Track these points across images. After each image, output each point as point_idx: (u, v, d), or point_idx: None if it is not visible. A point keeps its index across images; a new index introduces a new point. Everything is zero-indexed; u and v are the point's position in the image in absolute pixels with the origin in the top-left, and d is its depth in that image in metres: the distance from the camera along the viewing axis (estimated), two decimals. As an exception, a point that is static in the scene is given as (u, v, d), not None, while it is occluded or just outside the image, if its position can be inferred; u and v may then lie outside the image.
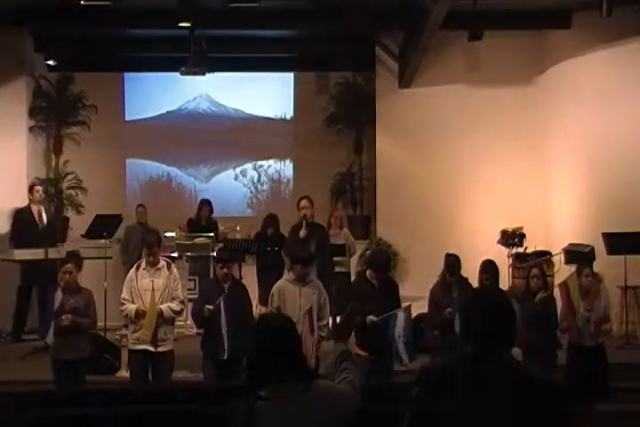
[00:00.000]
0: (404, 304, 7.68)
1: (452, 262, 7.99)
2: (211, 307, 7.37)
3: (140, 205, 12.05)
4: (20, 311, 10.95)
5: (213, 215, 11.74)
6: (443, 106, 12.65)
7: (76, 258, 8.17)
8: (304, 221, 9.66)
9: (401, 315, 7.44)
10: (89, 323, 7.59)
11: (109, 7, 10.60)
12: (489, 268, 8.23)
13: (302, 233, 9.61)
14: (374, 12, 11.77)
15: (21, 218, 11.17)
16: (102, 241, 10.98)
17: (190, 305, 8.62)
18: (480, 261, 8.46)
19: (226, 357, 7.35)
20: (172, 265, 7.85)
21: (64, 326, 7.34)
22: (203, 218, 11.58)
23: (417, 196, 12.58)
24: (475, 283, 7.99)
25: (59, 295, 7.46)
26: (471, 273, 8.16)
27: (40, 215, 11.23)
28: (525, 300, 7.59)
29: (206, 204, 11.74)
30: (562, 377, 6.96)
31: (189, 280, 10.80)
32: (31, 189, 11.39)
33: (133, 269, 7.70)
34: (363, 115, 13.48)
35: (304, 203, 9.84)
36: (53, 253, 10.46)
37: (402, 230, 12.41)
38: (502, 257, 10.58)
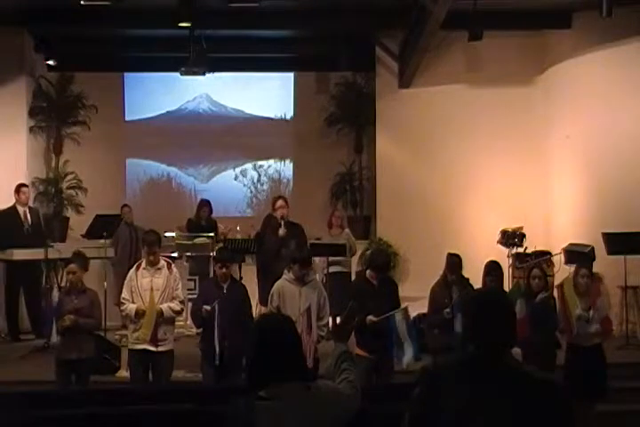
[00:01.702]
0: (401, 306, 7.69)
1: (454, 262, 7.99)
2: (208, 308, 7.39)
3: (125, 206, 12.03)
4: (12, 312, 10.93)
5: (212, 215, 11.73)
6: (443, 106, 12.65)
7: (81, 258, 8.16)
8: (282, 221, 9.82)
9: (399, 316, 7.44)
10: (93, 323, 7.58)
11: (109, 7, 10.60)
12: (494, 269, 8.22)
13: (282, 232, 9.73)
14: (374, 12, 11.78)
15: (7, 219, 11.10)
16: (102, 241, 10.98)
17: (190, 305, 8.62)
18: (480, 261, 8.46)
19: (217, 361, 7.35)
20: (173, 265, 7.86)
21: (66, 327, 7.34)
22: (202, 218, 11.58)
23: (417, 196, 12.58)
24: (476, 283, 7.98)
25: (55, 295, 7.46)
26: (471, 273, 8.16)
27: (26, 216, 11.16)
28: (526, 300, 7.58)
29: (205, 204, 11.73)
30: (561, 377, 6.96)
31: (189, 280, 10.81)
32: (18, 189, 11.23)
33: (133, 269, 7.70)
34: (363, 115, 13.48)
35: (280, 203, 10.04)
36: (53, 253, 10.46)
37: (402, 230, 12.41)
38: (502, 257, 10.57)
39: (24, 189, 11.31)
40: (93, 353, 7.62)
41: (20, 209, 11.16)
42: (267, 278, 9.67)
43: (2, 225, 11.09)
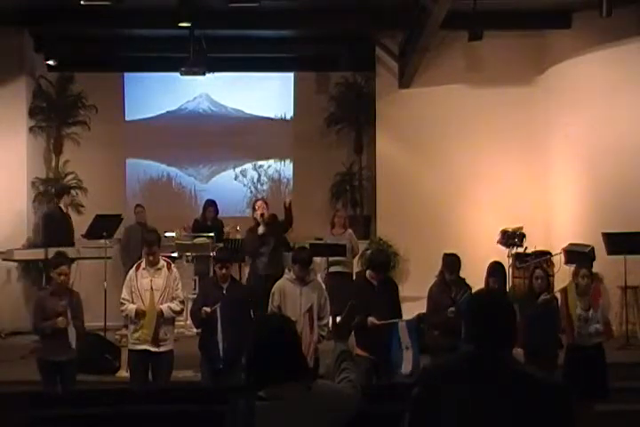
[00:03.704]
0: (411, 316, 7.73)
1: (451, 262, 7.99)
2: (208, 309, 7.39)
3: (138, 206, 12.06)
4: None
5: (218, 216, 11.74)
6: (443, 106, 12.65)
7: (67, 259, 8.12)
8: (262, 220, 9.90)
9: (403, 325, 7.45)
10: (80, 325, 7.54)
11: (109, 7, 10.59)
12: (497, 270, 8.22)
13: (261, 229, 9.83)
14: (374, 11, 11.77)
15: (57, 218, 11.40)
16: (102, 241, 10.98)
17: (191, 305, 8.62)
18: (480, 261, 8.45)
19: (221, 365, 7.37)
20: (172, 265, 7.85)
21: (59, 328, 7.30)
22: (208, 219, 11.58)
23: (417, 196, 12.58)
24: (477, 282, 7.98)
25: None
26: (471, 273, 8.15)
27: (69, 216, 11.68)
28: (528, 301, 7.58)
29: (211, 204, 11.72)
30: (561, 377, 6.97)
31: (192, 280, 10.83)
32: (68, 192, 11.82)
33: (133, 269, 7.69)
34: (363, 115, 13.48)
35: (259, 204, 10.16)
36: (54, 253, 10.46)
37: (402, 230, 12.41)
38: (502, 257, 10.58)
39: (72, 191, 12.01)
40: (77, 354, 7.53)
41: (64, 209, 11.58)
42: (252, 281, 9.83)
43: (54, 225, 11.32)
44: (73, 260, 9.61)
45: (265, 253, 9.76)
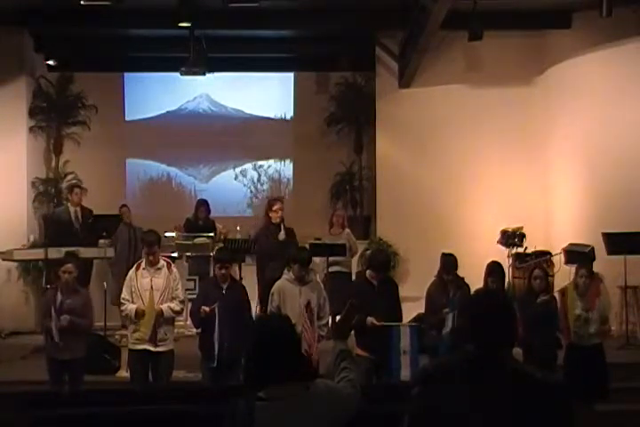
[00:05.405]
0: (411, 316, 7.72)
1: (448, 262, 8.01)
2: (207, 309, 7.40)
3: (123, 206, 12.01)
4: None
5: (211, 215, 11.72)
6: (443, 106, 12.65)
7: (75, 259, 8.15)
8: (282, 224, 9.82)
9: (406, 329, 7.46)
10: (86, 324, 7.56)
11: (109, 7, 10.59)
12: (495, 270, 8.23)
13: (281, 236, 9.73)
14: (374, 12, 11.78)
15: (58, 219, 11.29)
16: (102, 241, 10.97)
17: (190, 305, 8.63)
18: (480, 261, 8.45)
19: (214, 363, 7.38)
20: (172, 265, 7.85)
21: (63, 327, 7.32)
22: (200, 218, 11.57)
23: (417, 196, 12.58)
24: (476, 282, 7.98)
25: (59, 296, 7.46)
26: (471, 273, 8.15)
27: (77, 216, 11.36)
28: (527, 301, 7.58)
29: (203, 204, 11.71)
30: (561, 377, 6.97)
31: (189, 280, 10.80)
32: (71, 190, 11.54)
33: (133, 269, 7.70)
34: (363, 115, 13.47)
35: (279, 205, 10.03)
36: (53, 253, 10.45)
37: (402, 230, 12.41)
38: (502, 257, 10.58)
39: (76, 189, 11.57)
40: (85, 353, 7.58)
41: (72, 209, 11.37)
42: (264, 280, 9.77)
43: (52, 225, 11.30)
44: (92, 260, 9.62)
45: (279, 257, 9.52)
